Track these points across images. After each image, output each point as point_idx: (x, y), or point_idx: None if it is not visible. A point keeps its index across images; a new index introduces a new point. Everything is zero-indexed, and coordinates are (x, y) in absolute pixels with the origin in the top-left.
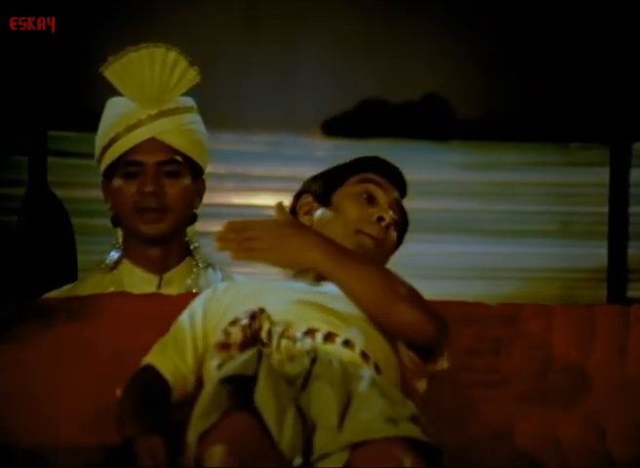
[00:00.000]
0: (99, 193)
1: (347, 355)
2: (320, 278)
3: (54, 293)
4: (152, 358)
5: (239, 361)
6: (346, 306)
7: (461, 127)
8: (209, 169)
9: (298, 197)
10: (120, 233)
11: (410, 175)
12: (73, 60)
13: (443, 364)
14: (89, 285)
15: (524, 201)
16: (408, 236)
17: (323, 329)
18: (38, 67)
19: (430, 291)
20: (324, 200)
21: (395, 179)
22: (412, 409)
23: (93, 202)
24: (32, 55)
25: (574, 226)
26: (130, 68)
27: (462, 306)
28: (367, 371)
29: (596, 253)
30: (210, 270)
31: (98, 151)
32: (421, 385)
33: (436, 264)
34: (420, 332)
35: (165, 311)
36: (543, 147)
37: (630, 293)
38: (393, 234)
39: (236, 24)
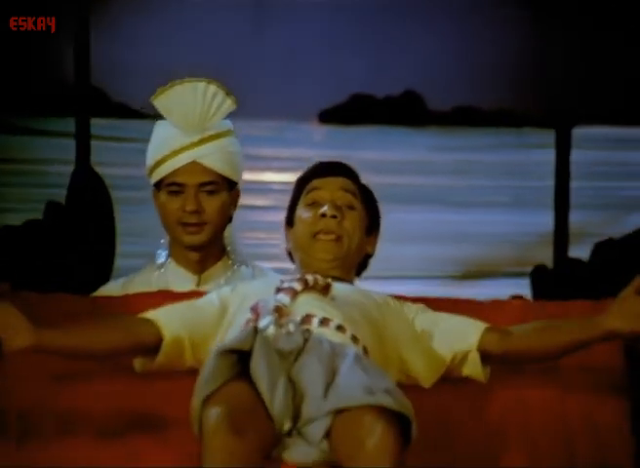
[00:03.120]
0: (132, 171)
1: (339, 337)
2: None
3: (110, 286)
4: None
5: (238, 337)
6: (344, 301)
7: (433, 116)
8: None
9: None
10: (167, 237)
11: (391, 155)
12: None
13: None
14: (140, 280)
15: (484, 177)
16: (392, 206)
17: (319, 315)
18: (81, 64)
19: (410, 252)
20: (290, 222)
21: (336, 172)
22: (388, 382)
23: (128, 178)
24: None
25: (525, 198)
26: (175, 99)
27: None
28: (352, 350)
29: (543, 221)
30: (243, 267)
31: (147, 168)
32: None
33: (414, 230)
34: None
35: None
36: (500, 132)
37: (571, 254)
38: (350, 214)
39: (246, 31)
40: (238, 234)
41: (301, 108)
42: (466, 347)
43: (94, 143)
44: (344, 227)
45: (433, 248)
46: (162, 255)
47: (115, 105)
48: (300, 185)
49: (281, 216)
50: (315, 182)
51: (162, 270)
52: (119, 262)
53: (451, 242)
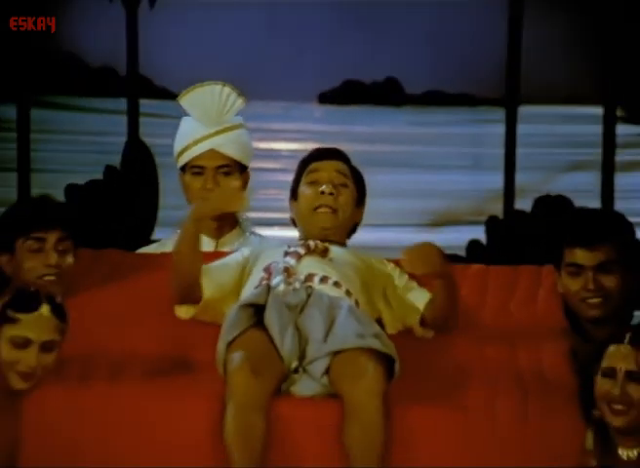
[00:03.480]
0: (171, 142)
1: (336, 292)
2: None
3: (148, 248)
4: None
5: (254, 293)
6: (343, 263)
7: (409, 98)
8: (249, 118)
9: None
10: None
11: (376, 129)
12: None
13: (431, 334)
14: (171, 243)
15: (449, 145)
16: (377, 169)
17: (319, 274)
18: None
19: (390, 205)
20: (294, 196)
21: (332, 156)
22: (376, 329)
23: (169, 147)
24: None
25: (481, 162)
26: (197, 99)
27: None
28: (346, 302)
29: (495, 180)
30: (252, 236)
31: (175, 154)
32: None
33: (394, 187)
34: (447, 326)
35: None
36: (461, 110)
37: (517, 206)
38: (344, 191)
39: (261, 31)
40: (255, 191)
41: (304, 92)
42: (416, 316)
43: (142, 119)
44: (339, 202)
45: (409, 202)
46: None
47: (158, 89)
48: (302, 166)
49: (288, 177)
50: (315, 165)
51: None
52: (162, 213)
53: (423, 197)
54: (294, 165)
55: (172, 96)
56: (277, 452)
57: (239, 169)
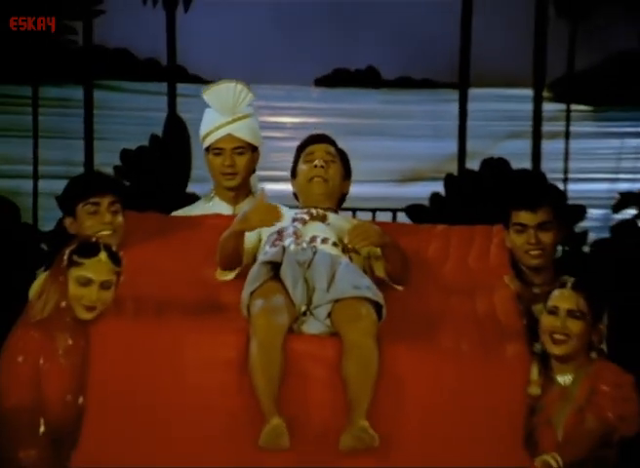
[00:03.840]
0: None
1: (334, 250)
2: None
3: (180, 211)
4: None
5: (272, 252)
6: (339, 227)
7: (385, 82)
8: (257, 103)
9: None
10: (214, 183)
11: (358, 107)
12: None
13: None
14: (198, 208)
15: (415, 119)
16: (359, 137)
17: (321, 236)
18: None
19: (368, 166)
20: (293, 175)
21: (322, 141)
22: (368, 281)
23: (197, 120)
24: None
25: (440, 132)
26: (217, 93)
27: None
28: (344, 260)
29: (451, 146)
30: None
31: (200, 138)
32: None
33: (372, 151)
34: (403, 284)
35: (226, 224)
36: (426, 92)
37: (468, 166)
38: (332, 165)
39: (268, 28)
40: (265, 155)
41: (303, 77)
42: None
43: (178, 100)
44: (329, 173)
45: (383, 163)
46: (211, 193)
47: (191, 76)
48: (299, 150)
49: (291, 143)
50: (309, 148)
51: (211, 203)
52: (193, 171)
53: (394, 159)
54: (296, 134)
55: (202, 81)
56: (291, 378)
57: (251, 149)
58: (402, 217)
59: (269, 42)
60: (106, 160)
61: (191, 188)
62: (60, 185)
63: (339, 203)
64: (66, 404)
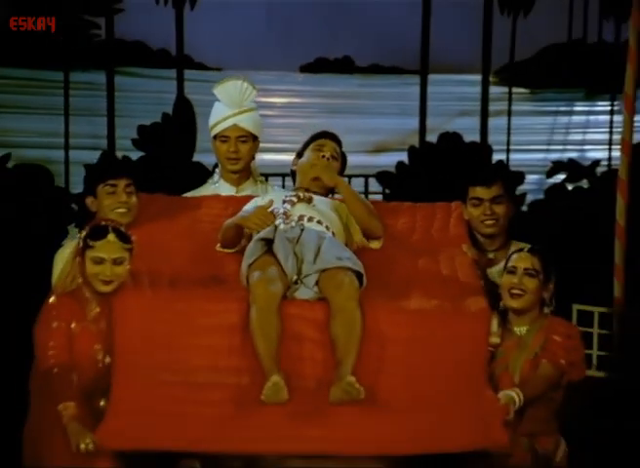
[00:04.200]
0: (206, 98)
1: (319, 227)
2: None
3: (189, 193)
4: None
5: (266, 231)
6: (322, 207)
7: (360, 69)
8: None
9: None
10: (219, 166)
11: (338, 90)
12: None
13: (377, 245)
14: (205, 190)
15: (385, 100)
16: (337, 115)
17: (307, 215)
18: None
19: (345, 139)
20: (300, 155)
21: (333, 138)
22: (350, 253)
23: (201, 101)
24: None
25: (405, 111)
26: (225, 88)
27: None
28: (328, 234)
29: (413, 122)
30: (261, 185)
31: (209, 127)
32: (374, 245)
33: (349, 127)
34: (377, 232)
35: (238, 204)
36: (394, 77)
37: (427, 139)
38: (335, 163)
39: (262, 23)
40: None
41: (291, 65)
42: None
43: (185, 83)
44: (332, 165)
45: (358, 136)
46: (216, 177)
47: (196, 63)
48: (313, 139)
49: (281, 120)
50: (322, 140)
51: (216, 185)
52: (198, 144)
53: (367, 133)
54: (284, 112)
55: (205, 68)
56: (286, 339)
57: (253, 138)
58: (373, 182)
59: (262, 35)
60: (125, 134)
61: (196, 158)
62: (86, 155)
63: (327, 192)
64: (95, 363)
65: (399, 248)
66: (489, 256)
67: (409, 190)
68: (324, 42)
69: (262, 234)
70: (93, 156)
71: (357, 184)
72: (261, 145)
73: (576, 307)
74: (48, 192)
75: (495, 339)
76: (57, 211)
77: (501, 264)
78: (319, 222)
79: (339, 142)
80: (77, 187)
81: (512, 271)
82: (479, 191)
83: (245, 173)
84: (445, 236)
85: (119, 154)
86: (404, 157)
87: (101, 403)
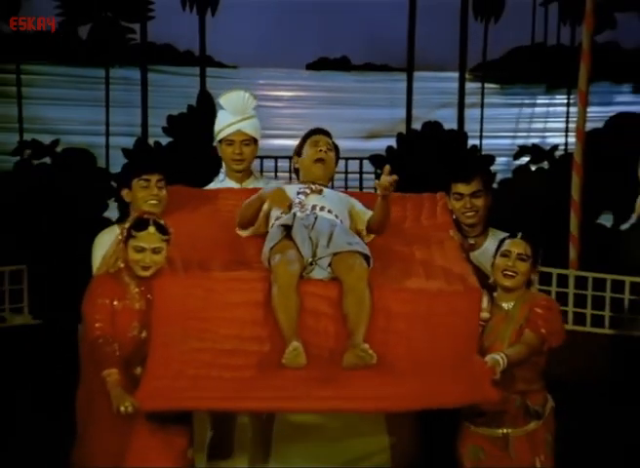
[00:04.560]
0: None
1: (330, 216)
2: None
3: (210, 185)
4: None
5: (285, 218)
6: (331, 198)
7: (355, 67)
8: (262, 81)
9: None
10: (224, 166)
11: (337, 84)
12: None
13: (370, 238)
14: (214, 186)
15: (377, 94)
16: (336, 106)
17: (319, 205)
18: None
19: (339, 127)
20: (299, 153)
21: (325, 134)
22: (358, 239)
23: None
24: None
25: (395, 103)
26: (229, 98)
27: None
28: (338, 222)
29: (401, 113)
30: (263, 180)
31: (215, 133)
32: (367, 238)
33: (347, 116)
34: (381, 232)
35: (250, 194)
36: (383, 74)
37: (413, 127)
38: (331, 153)
39: (270, 26)
40: (269, 119)
41: (297, 63)
42: (363, 225)
43: (207, 79)
44: (329, 158)
45: (354, 124)
46: (222, 175)
47: (216, 62)
48: (307, 136)
49: (287, 111)
50: (316, 136)
51: (223, 182)
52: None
53: (361, 122)
54: (291, 104)
55: (224, 66)
56: (304, 313)
57: (254, 141)
58: (366, 164)
59: (272, 38)
60: (156, 123)
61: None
62: (123, 141)
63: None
64: (133, 336)
65: (394, 234)
66: (470, 242)
67: (397, 171)
68: (325, 44)
69: (282, 221)
70: (129, 142)
71: (353, 166)
72: (271, 132)
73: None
74: (91, 172)
75: (485, 314)
76: (98, 187)
77: (481, 248)
78: (329, 211)
79: (330, 135)
80: (116, 168)
81: (506, 255)
82: (460, 187)
83: (247, 171)
84: (433, 223)
85: (151, 140)
86: (393, 142)
87: (138, 370)
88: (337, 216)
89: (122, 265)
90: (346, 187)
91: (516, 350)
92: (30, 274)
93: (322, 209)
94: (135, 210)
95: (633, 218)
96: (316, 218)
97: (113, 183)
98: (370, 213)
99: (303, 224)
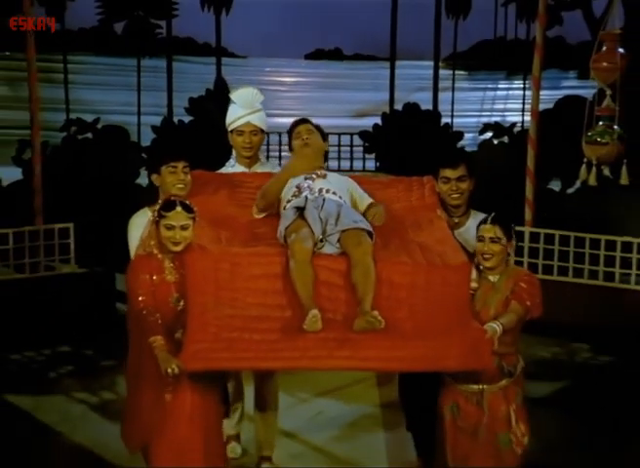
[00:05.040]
0: (236, 77)
1: (335, 197)
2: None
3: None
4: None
5: (298, 200)
6: (334, 182)
7: (347, 57)
8: (269, 69)
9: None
10: (235, 153)
11: (331, 71)
12: None
13: None
14: (225, 171)
15: (364, 79)
16: (330, 90)
17: (326, 187)
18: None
19: (330, 107)
20: (291, 148)
21: (303, 122)
22: (362, 217)
23: (234, 80)
24: None
25: (379, 87)
26: (240, 94)
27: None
28: (343, 202)
29: (385, 96)
30: (269, 164)
31: (227, 124)
32: None
33: (338, 98)
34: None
35: (262, 177)
36: (370, 63)
37: (395, 108)
38: (314, 135)
39: (276, 23)
40: (275, 100)
41: (297, 53)
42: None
43: (223, 68)
44: (311, 140)
45: (344, 105)
46: (232, 161)
47: (230, 53)
48: (291, 130)
49: (290, 94)
50: (296, 129)
51: (234, 167)
52: None
53: (351, 103)
54: (292, 88)
55: (236, 56)
56: (317, 284)
57: (261, 131)
58: (356, 138)
59: (277, 33)
60: (180, 104)
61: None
62: (152, 119)
63: (324, 158)
64: (173, 306)
65: (389, 214)
66: (455, 221)
67: (382, 144)
68: (321, 38)
69: (295, 203)
70: (157, 120)
71: (345, 140)
72: (276, 112)
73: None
74: (125, 145)
75: (474, 285)
76: (131, 158)
77: (465, 226)
78: (334, 193)
79: (307, 121)
80: (146, 141)
81: (481, 240)
82: (447, 172)
83: (255, 157)
84: (422, 204)
85: (175, 119)
86: (378, 120)
87: (178, 335)
88: (341, 197)
89: (152, 243)
90: (339, 157)
91: (508, 319)
92: (76, 230)
93: (328, 191)
94: (163, 192)
95: (577, 184)
96: (324, 200)
97: (143, 155)
98: (368, 199)
99: (314, 206)
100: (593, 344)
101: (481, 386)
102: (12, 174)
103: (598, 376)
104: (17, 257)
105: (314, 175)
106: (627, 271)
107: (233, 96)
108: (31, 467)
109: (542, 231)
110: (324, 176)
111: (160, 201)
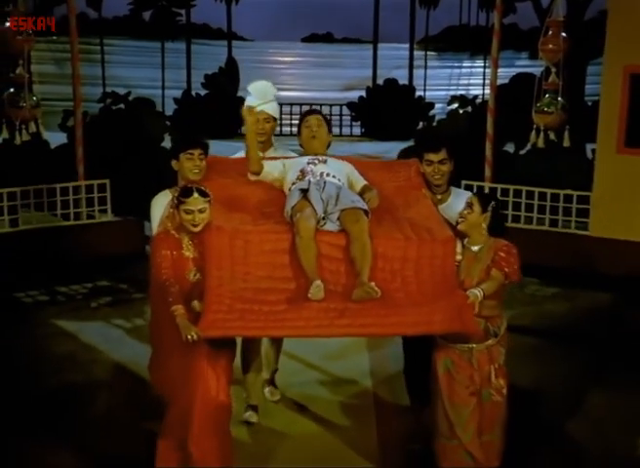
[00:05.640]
0: (244, 58)
1: (335, 180)
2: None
3: (232, 157)
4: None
5: (303, 182)
6: (333, 166)
7: (337, 40)
8: (272, 50)
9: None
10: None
11: (323, 52)
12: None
13: None
14: (240, 155)
15: (352, 59)
16: (322, 67)
17: (326, 171)
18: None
19: (324, 82)
20: (300, 133)
21: (313, 112)
22: (359, 197)
23: (243, 61)
24: None
25: (363, 64)
26: (256, 86)
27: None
28: (342, 184)
29: (368, 72)
30: (281, 150)
31: (242, 112)
32: None
33: (329, 75)
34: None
35: None
36: (357, 45)
37: (377, 82)
38: (321, 128)
39: (279, 9)
40: (278, 76)
41: (295, 36)
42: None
43: (233, 49)
44: (319, 132)
45: (334, 80)
46: (243, 149)
47: (239, 37)
48: (302, 119)
49: (291, 71)
50: (307, 118)
51: (247, 154)
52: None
53: (340, 78)
54: (291, 66)
55: (244, 39)
56: (320, 258)
57: (273, 119)
58: (344, 109)
59: (278, 19)
60: (197, 80)
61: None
62: (174, 93)
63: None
64: (190, 279)
65: (381, 195)
66: (438, 197)
67: (366, 113)
68: (315, 23)
69: (300, 185)
70: (178, 93)
71: (335, 110)
72: (277, 86)
73: (463, 182)
74: (152, 114)
75: (458, 257)
76: (156, 124)
77: (447, 203)
78: (334, 177)
79: (318, 112)
80: (169, 111)
81: (466, 210)
82: (431, 155)
83: (268, 142)
84: (409, 184)
85: (193, 92)
86: (363, 93)
87: (195, 304)
88: (339, 180)
89: (170, 225)
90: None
91: (488, 285)
92: (112, 185)
93: (328, 175)
94: (182, 177)
95: (528, 146)
96: (325, 183)
97: (167, 122)
98: (363, 181)
99: (316, 188)
100: (542, 279)
101: (470, 345)
102: (58, 138)
103: (545, 305)
104: (63, 208)
105: (316, 161)
106: (568, 218)
107: (250, 87)
108: (78, 377)
109: (499, 186)
110: (324, 162)
111: (179, 186)
